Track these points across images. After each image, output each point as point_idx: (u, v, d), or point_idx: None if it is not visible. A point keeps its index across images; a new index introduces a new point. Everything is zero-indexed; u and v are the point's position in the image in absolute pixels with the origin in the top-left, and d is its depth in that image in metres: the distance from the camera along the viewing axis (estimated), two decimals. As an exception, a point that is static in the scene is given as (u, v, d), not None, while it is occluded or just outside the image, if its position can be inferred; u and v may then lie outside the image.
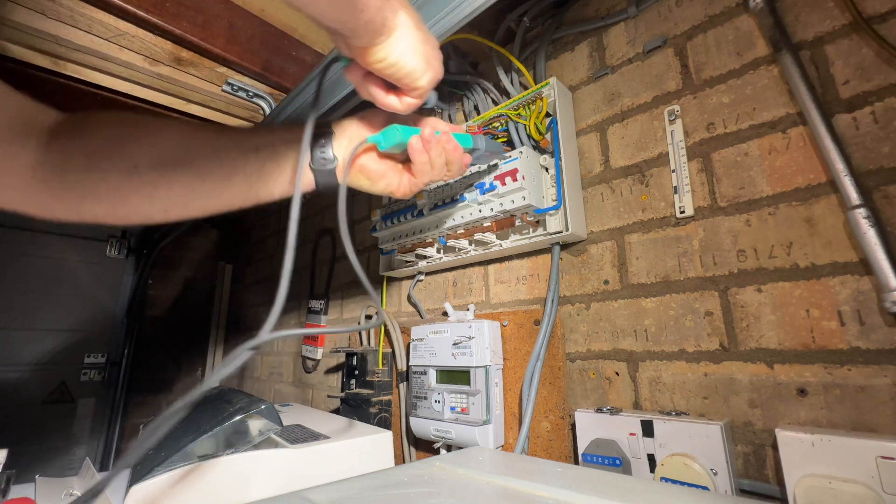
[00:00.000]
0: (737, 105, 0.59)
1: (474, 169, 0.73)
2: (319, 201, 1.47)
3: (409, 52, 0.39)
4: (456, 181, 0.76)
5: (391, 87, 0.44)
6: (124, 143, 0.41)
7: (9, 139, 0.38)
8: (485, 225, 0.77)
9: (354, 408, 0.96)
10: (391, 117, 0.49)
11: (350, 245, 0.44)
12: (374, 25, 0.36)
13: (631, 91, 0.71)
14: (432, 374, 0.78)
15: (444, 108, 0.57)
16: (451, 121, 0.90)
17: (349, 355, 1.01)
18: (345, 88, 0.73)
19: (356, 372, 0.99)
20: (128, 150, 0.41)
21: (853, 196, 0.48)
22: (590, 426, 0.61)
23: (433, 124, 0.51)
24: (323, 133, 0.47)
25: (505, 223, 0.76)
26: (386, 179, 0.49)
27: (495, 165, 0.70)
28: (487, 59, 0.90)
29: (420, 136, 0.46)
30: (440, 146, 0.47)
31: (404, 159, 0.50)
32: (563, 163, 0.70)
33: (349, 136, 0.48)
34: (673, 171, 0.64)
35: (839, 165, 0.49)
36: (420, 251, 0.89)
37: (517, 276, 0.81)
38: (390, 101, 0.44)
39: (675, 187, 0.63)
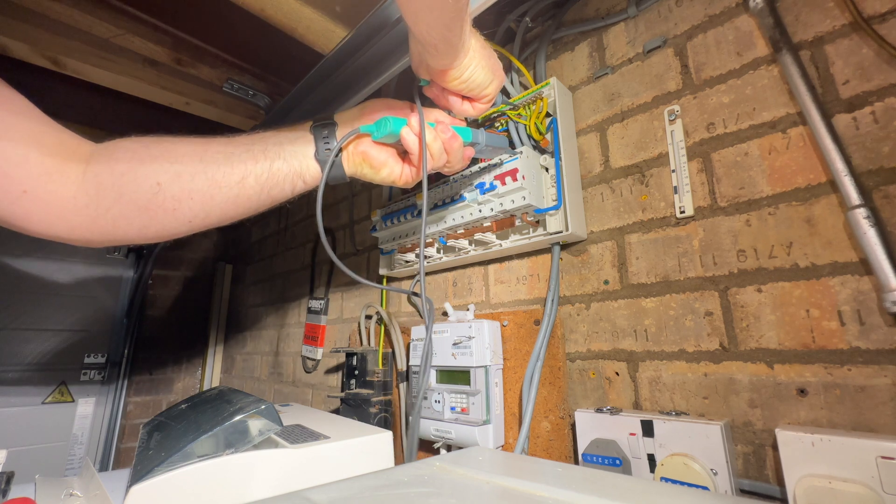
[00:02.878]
0: (737, 105, 0.59)
1: (479, 167, 0.73)
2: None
3: (479, 69, 0.47)
4: (455, 181, 0.76)
5: (465, 96, 0.51)
6: (146, 163, 0.44)
7: (56, 169, 0.41)
8: (485, 225, 0.77)
9: (354, 408, 0.96)
10: (388, 110, 0.52)
11: (322, 229, 0.48)
12: (457, 46, 0.42)
13: (631, 91, 0.71)
14: (432, 374, 0.78)
15: (505, 129, 0.61)
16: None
17: (349, 355, 1.01)
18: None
19: (356, 372, 0.99)
20: (150, 170, 0.44)
21: (853, 196, 0.48)
22: (590, 426, 0.61)
23: (434, 116, 0.53)
24: (326, 125, 0.50)
25: (505, 223, 0.76)
26: (388, 168, 0.51)
27: (497, 165, 0.70)
28: (487, 59, 0.90)
29: (409, 125, 0.49)
30: (436, 136, 0.50)
31: (405, 150, 0.52)
32: (563, 163, 0.70)
33: (351, 126, 0.50)
34: (673, 171, 0.64)
35: (839, 165, 0.49)
36: (420, 251, 0.89)
37: (517, 276, 0.81)
38: (465, 108, 0.52)
39: (675, 187, 0.63)
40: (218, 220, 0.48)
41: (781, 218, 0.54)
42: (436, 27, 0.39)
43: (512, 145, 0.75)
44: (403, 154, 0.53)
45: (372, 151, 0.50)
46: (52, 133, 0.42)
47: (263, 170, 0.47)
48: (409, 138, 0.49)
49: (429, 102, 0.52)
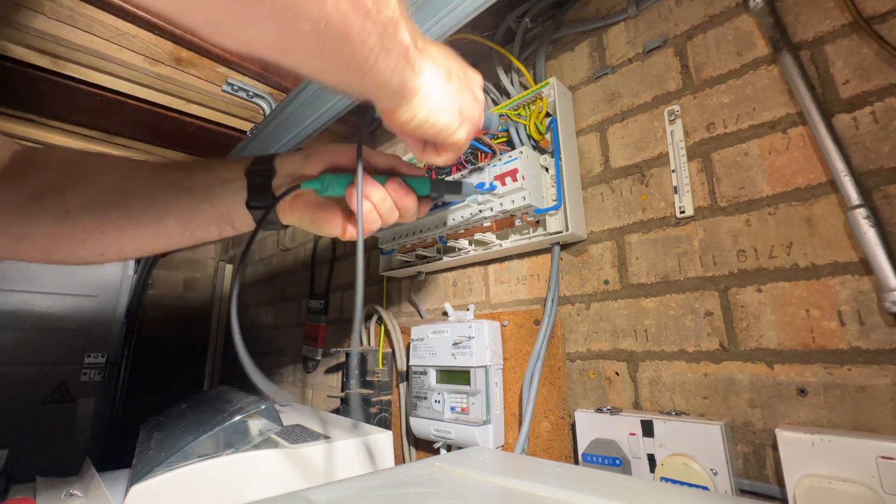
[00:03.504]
0: (737, 105, 0.59)
1: (480, 169, 0.73)
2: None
3: (436, 110, 0.36)
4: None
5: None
6: (58, 188, 0.40)
7: None
8: (485, 225, 0.77)
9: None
10: (335, 158, 0.45)
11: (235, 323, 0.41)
12: (390, 89, 0.33)
13: (631, 91, 0.71)
14: (432, 374, 0.78)
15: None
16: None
17: (349, 355, 1.01)
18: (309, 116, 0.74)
19: (356, 372, 0.99)
20: (60, 196, 0.40)
21: (853, 196, 0.48)
22: (590, 426, 0.61)
23: (389, 162, 0.47)
24: (262, 171, 0.44)
25: (505, 223, 0.76)
26: (330, 224, 0.45)
27: (497, 165, 0.70)
28: (487, 59, 0.91)
29: (354, 183, 0.41)
30: (386, 195, 0.43)
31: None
32: (563, 163, 0.70)
33: (291, 175, 0.44)
34: (673, 171, 0.64)
35: (839, 165, 0.49)
36: (420, 251, 0.89)
37: (517, 276, 0.81)
38: (428, 157, 0.43)
39: (675, 187, 0.63)
40: (133, 254, 0.44)
41: (781, 218, 0.54)
42: (331, 81, 0.30)
43: (512, 145, 0.75)
44: (349, 211, 0.45)
45: (313, 207, 0.45)
46: None
47: (186, 211, 0.43)
48: (355, 200, 0.41)
49: (388, 137, 0.46)
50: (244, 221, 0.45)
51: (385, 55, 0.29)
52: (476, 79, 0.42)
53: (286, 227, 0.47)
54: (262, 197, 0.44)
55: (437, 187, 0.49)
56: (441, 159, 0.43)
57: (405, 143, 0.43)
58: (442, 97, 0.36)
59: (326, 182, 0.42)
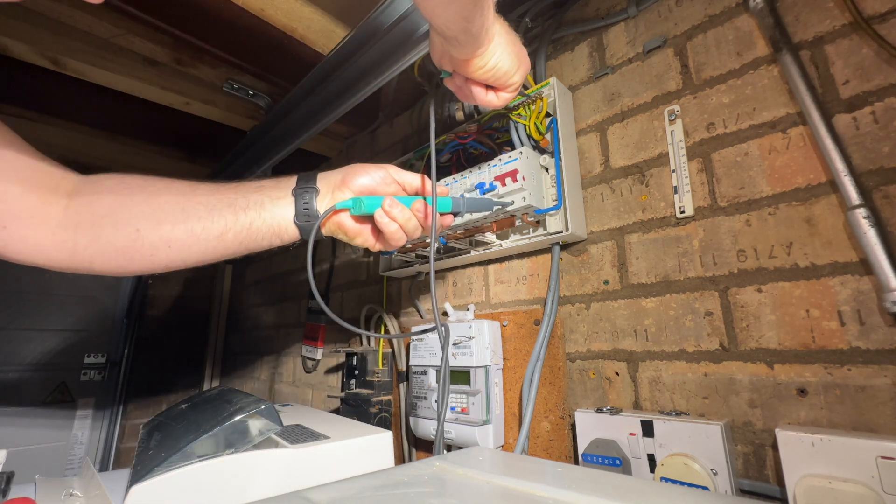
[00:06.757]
0: (737, 105, 0.59)
1: (479, 169, 0.73)
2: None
3: (504, 56, 0.47)
4: (456, 181, 0.76)
5: (488, 86, 0.51)
6: (127, 209, 0.45)
7: (37, 206, 0.42)
8: (485, 225, 0.77)
9: (354, 408, 0.96)
10: (367, 181, 0.51)
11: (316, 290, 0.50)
12: (479, 36, 0.43)
13: (631, 91, 0.71)
14: (432, 374, 0.78)
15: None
16: (452, 119, 0.90)
17: (349, 355, 1.01)
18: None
19: (356, 372, 0.99)
20: (130, 217, 0.45)
21: (853, 196, 0.48)
22: (590, 426, 0.61)
23: (415, 185, 0.54)
24: (307, 189, 0.51)
25: (505, 223, 0.75)
26: (362, 237, 0.53)
27: (497, 166, 0.70)
28: (487, 59, 0.91)
29: (383, 207, 0.49)
30: (411, 215, 0.50)
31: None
32: (563, 163, 0.70)
33: (331, 195, 0.51)
34: (673, 171, 0.64)
35: (839, 165, 0.49)
36: (420, 251, 0.89)
37: (517, 276, 0.81)
38: (490, 99, 0.52)
39: (675, 187, 0.63)
40: (195, 263, 0.50)
41: (781, 218, 0.54)
42: (455, 20, 0.40)
43: (512, 145, 0.75)
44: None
45: (347, 223, 0.51)
46: (35, 166, 0.43)
47: (243, 227, 0.48)
48: (383, 221, 0.49)
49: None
50: (291, 235, 0.51)
51: (483, 11, 0.40)
52: (519, 39, 0.51)
53: (327, 237, 0.54)
54: (307, 214, 0.50)
55: (458, 204, 0.56)
56: (500, 102, 0.52)
57: (468, 92, 0.51)
58: (507, 45, 0.47)
59: (358, 204, 0.49)
